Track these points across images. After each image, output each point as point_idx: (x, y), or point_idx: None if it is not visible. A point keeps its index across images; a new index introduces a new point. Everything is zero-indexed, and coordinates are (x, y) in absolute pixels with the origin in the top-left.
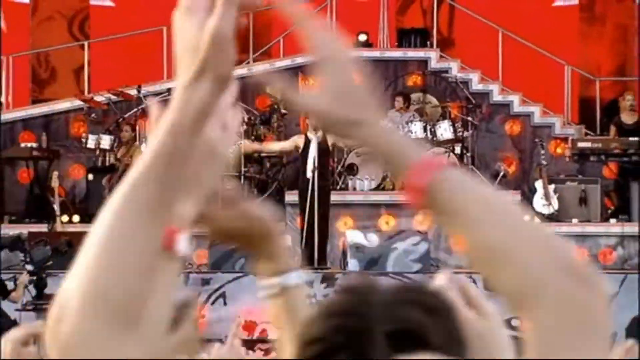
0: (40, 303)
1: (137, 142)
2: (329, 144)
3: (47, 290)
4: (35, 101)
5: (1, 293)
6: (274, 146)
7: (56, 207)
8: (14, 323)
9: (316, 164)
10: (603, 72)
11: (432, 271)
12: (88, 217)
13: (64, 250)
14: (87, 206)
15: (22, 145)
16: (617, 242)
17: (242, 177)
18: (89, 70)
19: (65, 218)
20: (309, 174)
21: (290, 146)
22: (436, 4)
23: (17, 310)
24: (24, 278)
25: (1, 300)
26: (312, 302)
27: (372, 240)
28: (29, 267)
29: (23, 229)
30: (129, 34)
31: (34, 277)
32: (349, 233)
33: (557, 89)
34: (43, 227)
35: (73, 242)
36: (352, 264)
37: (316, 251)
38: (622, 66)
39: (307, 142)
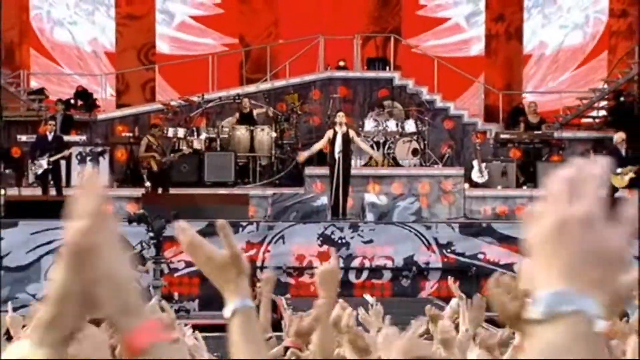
0: (158, 258)
1: (155, 153)
2: (350, 136)
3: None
4: (118, 106)
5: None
6: (317, 146)
7: (145, 177)
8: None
9: (341, 148)
10: (497, 87)
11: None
12: (164, 186)
13: (173, 221)
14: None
15: (122, 135)
16: (527, 201)
17: (273, 157)
18: (155, 85)
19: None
20: (336, 155)
21: (325, 140)
22: (392, 42)
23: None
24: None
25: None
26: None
27: (382, 200)
28: (151, 234)
29: (123, 191)
30: (183, 61)
31: (155, 241)
32: (366, 195)
33: (474, 98)
34: (138, 191)
35: (179, 215)
36: (369, 216)
37: (340, 207)
38: (509, 84)
39: (335, 134)
